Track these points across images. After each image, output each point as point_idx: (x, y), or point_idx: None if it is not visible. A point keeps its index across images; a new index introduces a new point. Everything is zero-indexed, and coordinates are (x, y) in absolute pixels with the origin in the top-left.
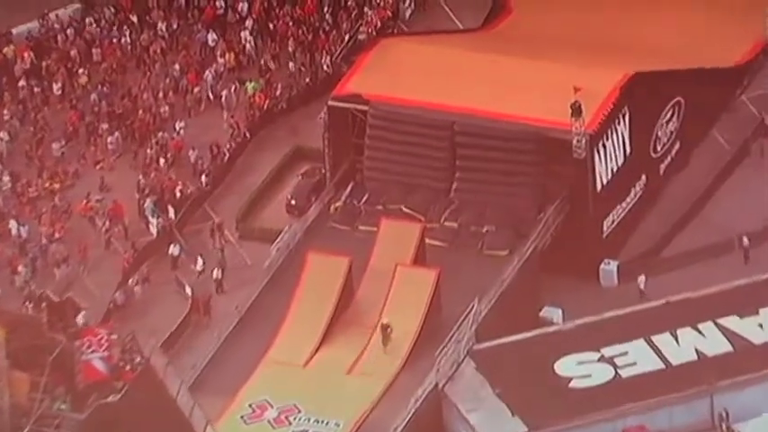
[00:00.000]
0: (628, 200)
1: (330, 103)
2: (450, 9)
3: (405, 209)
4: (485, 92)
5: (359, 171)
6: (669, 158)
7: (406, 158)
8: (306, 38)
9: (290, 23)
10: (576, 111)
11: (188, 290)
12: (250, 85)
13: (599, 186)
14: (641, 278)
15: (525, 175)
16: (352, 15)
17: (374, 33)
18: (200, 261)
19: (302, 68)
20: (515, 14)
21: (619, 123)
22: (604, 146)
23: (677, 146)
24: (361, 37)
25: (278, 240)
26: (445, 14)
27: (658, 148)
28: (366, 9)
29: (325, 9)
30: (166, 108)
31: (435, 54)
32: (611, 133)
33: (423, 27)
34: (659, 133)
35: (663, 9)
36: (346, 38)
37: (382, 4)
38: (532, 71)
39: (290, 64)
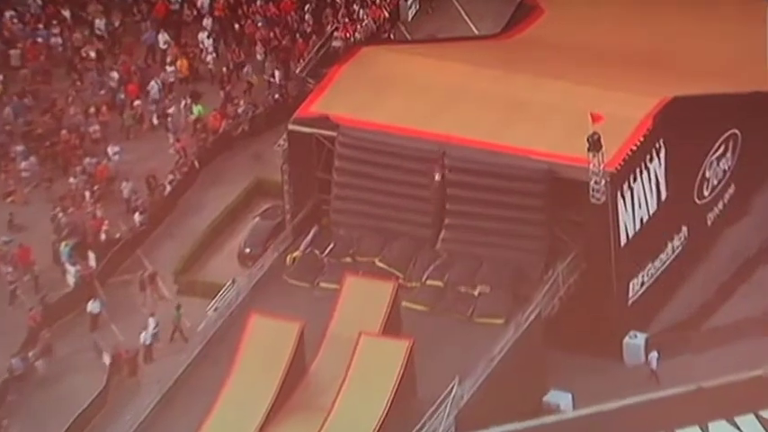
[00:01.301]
0: (662, 258)
1: (291, 127)
2: (463, 9)
3: (379, 263)
4: (485, 117)
5: (324, 213)
6: (720, 206)
7: (383, 198)
8: (279, 42)
9: (261, 24)
10: (595, 144)
11: (107, 357)
12: (196, 108)
13: (623, 240)
14: (653, 354)
15: (530, 224)
16: (340, 15)
17: (358, 37)
18: (127, 321)
19: (272, 80)
20: (546, 17)
21: (651, 160)
22: (631, 189)
23: (731, 190)
24: (335, 44)
25: (217, 298)
26: (458, 16)
27: (705, 193)
28: (356, 7)
29: (307, 7)
30: (97, 127)
31: (427, 68)
32: (641, 173)
33: (428, 31)
34: (707, 173)
35: (718, 21)
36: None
37: (379, 1)
38: (546, 93)
39: (257, 75)
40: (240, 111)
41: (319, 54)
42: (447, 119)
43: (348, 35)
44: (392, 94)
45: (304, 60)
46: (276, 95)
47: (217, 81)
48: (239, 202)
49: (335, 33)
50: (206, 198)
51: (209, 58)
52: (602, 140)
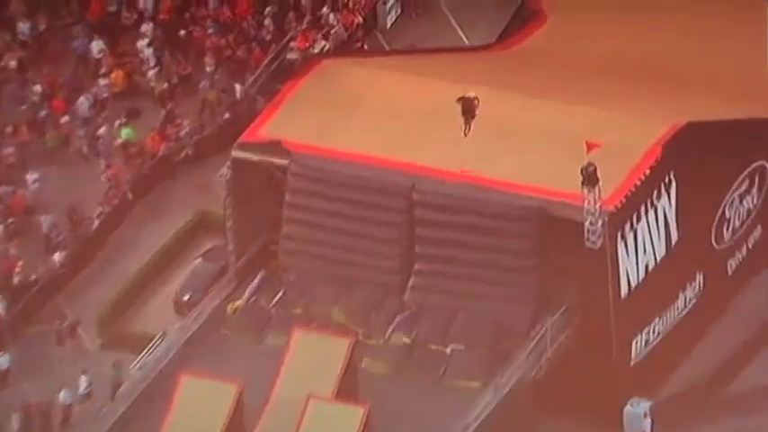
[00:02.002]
0: (672, 312)
1: (235, 153)
2: (453, 15)
3: (335, 314)
4: (464, 144)
5: (273, 255)
6: (743, 251)
7: (342, 239)
8: (233, 52)
9: (212, 30)
10: (590, 177)
11: (15, 422)
12: (124, 131)
13: (625, 291)
14: (646, 422)
15: (514, 271)
16: (306, 20)
17: (325, 47)
18: (42, 379)
19: (223, 95)
20: (548, 26)
21: (659, 197)
22: (634, 231)
23: (757, 233)
24: (291, 56)
25: (144, 354)
26: (446, 22)
27: (725, 236)
28: (325, 11)
29: (267, 10)
30: (13, 149)
31: (398, 86)
32: (646, 212)
33: (409, 40)
34: (728, 213)
35: (744, 37)
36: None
37: (352, 4)
38: (538, 115)
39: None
40: (184, 132)
41: (272, 67)
42: (420, 146)
43: (307, 45)
44: (356, 115)
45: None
46: (227, 115)
47: (158, 97)
48: (179, 240)
49: (292, 43)
50: (140, 235)
51: (150, 70)
52: (598, 173)
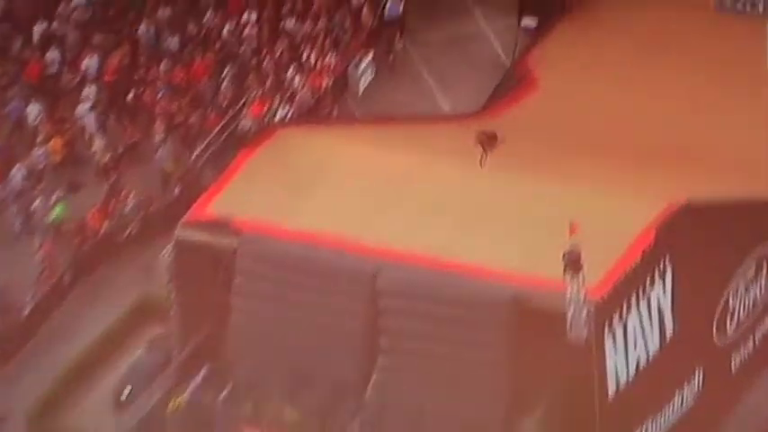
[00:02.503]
0: (666, 414)
1: (179, 233)
2: (434, 78)
3: (289, 414)
4: (434, 226)
5: (220, 346)
6: (749, 347)
7: (296, 330)
8: (186, 118)
9: (163, 93)
10: (572, 263)
11: None
12: (58, 208)
13: (612, 390)
14: None
15: (488, 366)
16: (268, 83)
17: (288, 112)
18: None
19: (174, 165)
20: (539, 92)
21: (652, 285)
22: (624, 323)
23: (765, 325)
24: (245, 123)
25: None
26: (427, 87)
27: (729, 329)
28: (291, 72)
29: (225, 71)
30: None
31: (363, 159)
32: (638, 302)
33: (384, 106)
34: (731, 303)
35: (753, 111)
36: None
37: (319, 66)
38: (517, 194)
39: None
40: (129, 208)
41: (223, 136)
42: (385, 228)
43: (263, 112)
44: (314, 192)
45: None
46: (177, 190)
47: (101, 168)
48: (120, 329)
49: (246, 109)
50: (77, 322)
51: (92, 137)
52: (582, 258)
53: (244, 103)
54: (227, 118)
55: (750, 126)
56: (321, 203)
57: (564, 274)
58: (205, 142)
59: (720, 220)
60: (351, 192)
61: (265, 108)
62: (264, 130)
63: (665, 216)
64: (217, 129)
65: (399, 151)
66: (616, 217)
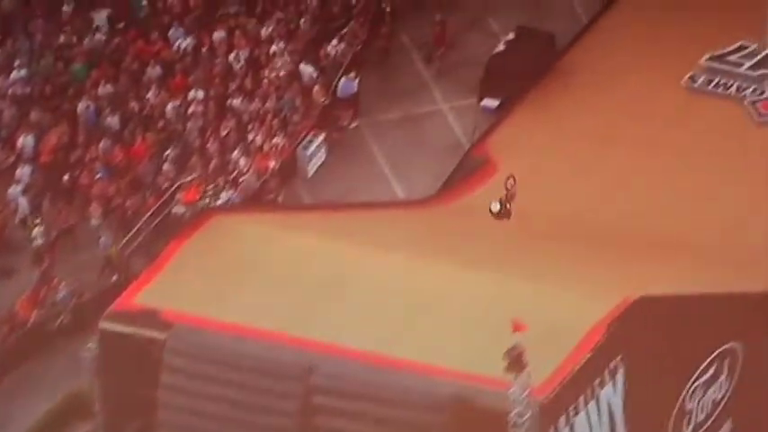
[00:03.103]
0: None
1: (104, 324)
2: (389, 162)
3: None
4: (373, 320)
5: None
6: None
7: (226, 428)
8: (123, 201)
9: (101, 175)
10: (515, 362)
11: None
12: None
13: None
14: None
15: None
16: (212, 165)
17: (232, 197)
18: None
19: (110, 251)
20: (498, 178)
21: (602, 385)
22: (571, 425)
23: (727, 428)
24: (178, 210)
25: None
26: (380, 172)
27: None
28: (236, 154)
29: (167, 153)
30: None
31: (300, 249)
32: (586, 403)
33: (335, 191)
34: (688, 405)
35: (724, 199)
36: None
37: (267, 147)
38: (462, 288)
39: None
40: (60, 296)
41: (154, 223)
42: (322, 321)
43: (197, 198)
44: (249, 283)
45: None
46: (114, 277)
47: (33, 253)
48: (47, 426)
49: (178, 195)
50: (2, 418)
51: (25, 221)
52: (525, 356)
53: (178, 187)
54: (160, 202)
55: (721, 213)
56: (255, 295)
57: (507, 373)
58: (136, 228)
59: (680, 316)
60: (287, 283)
61: (201, 192)
62: (199, 216)
63: (619, 312)
64: (148, 214)
65: (342, 240)
66: (567, 312)
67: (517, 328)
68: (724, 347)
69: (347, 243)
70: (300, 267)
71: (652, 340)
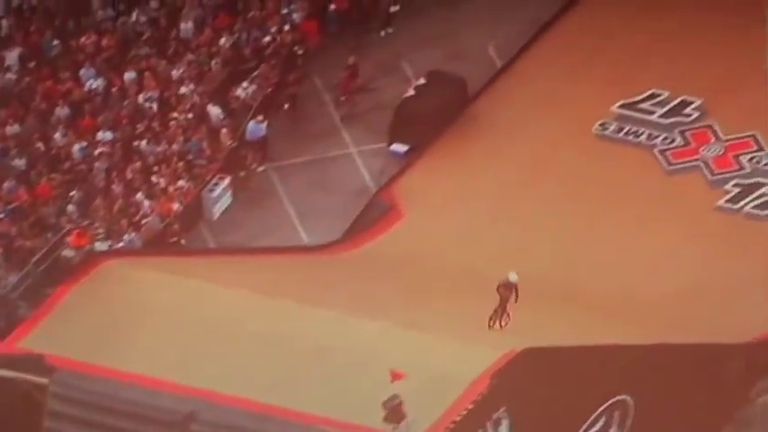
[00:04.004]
0: None
1: None
2: (296, 205)
3: None
4: (254, 368)
5: None
6: None
7: None
8: (23, 242)
9: (2, 216)
10: (393, 412)
11: None
12: None
13: None
14: None
15: None
16: (116, 207)
17: (133, 239)
18: None
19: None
20: (402, 226)
21: None
22: None
23: None
24: (66, 253)
25: None
26: (286, 216)
27: None
28: (140, 196)
29: (71, 194)
30: None
31: (189, 295)
32: None
33: (241, 234)
34: None
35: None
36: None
37: (171, 189)
38: (348, 338)
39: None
40: None
41: (41, 267)
42: (205, 367)
43: (85, 242)
44: (134, 329)
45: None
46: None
47: None
48: None
49: (67, 238)
50: None
51: None
52: (403, 407)
53: (68, 231)
54: (48, 246)
55: (625, 264)
56: (140, 341)
57: (385, 423)
58: (24, 270)
59: (567, 368)
60: (173, 329)
61: (90, 236)
62: (89, 260)
63: (503, 362)
64: (36, 257)
65: (234, 286)
66: (452, 362)
67: (396, 377)
68: (615, 399)
69: (239, 288)
70: (187, 313)
71: (538, 391)
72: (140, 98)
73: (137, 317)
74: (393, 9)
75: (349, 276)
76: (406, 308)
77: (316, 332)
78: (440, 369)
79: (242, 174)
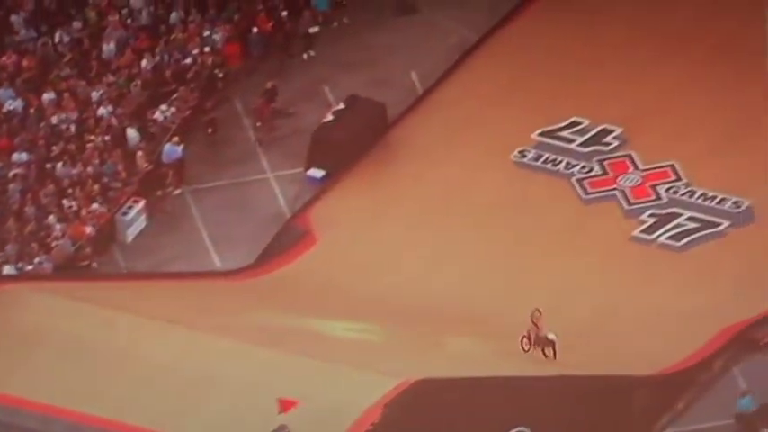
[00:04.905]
0: None
1: None
2: (210, 230)
3: None
4: (151, 398)
5: None
6: None
7: None
8: None
9: None
10: None
11: None
12: None
13: None
14: None
15: None
16: (28, 230)
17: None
18: None
19: None
20: (316, 251)
21: None
22: None
23: None
24: None
25: None
26: (200, 239)
27: None
28: (51, 219)
29: None
30: None
31: (86, 322)
32: None
33: (156, 259)
34: None
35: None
36: None
37: (84, 212)
38: (237, 367)
39: None
40: None
41: None
42: (99, 395)
43: None
44: (31, 355)
45: None
46: None
47: None
48: None
49: None
50: None
51: None
52: None
53: None
54: None
55: (537, 294)
56: (36, 368)
57: None
58: None
59: (465, 400)
60: (69, 357)
61: None
62: None
63: (396, 393)
64: None
65: (135, 313)
66: (346, 391)
67: (285, 406)
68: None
69: (138, 314)
70: (82, 340)
71: (432, 422)
72: (57, 119)
73: (32, 343)
74: (313, 30)
75: (255, 303)
76: (306, 335)
77: (209, 361)
78: (333, 398)
79: (159, 193)
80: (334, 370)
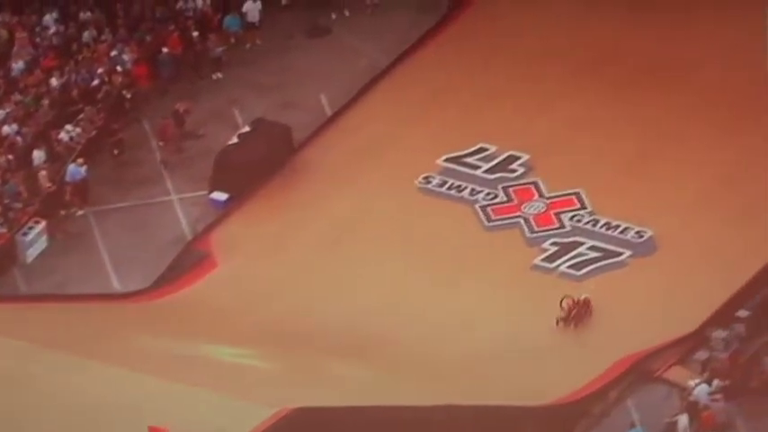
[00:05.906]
0: None
1: None
2: (108, 252)
3: None
4: (28, 423)
5: None
6: None
7: None
8: None
9: None
10: None
11: None
12: None
13: None
14: None
15: None
16: None
17: None
18: None
19: None
20: (214, 275)
21: None
22: None
23: None
24: None
25: None
26: (99, 261)
27: None
28: None
29: None
30: None
31: None
32: None
33: (55, 280)
34: None
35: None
36: None
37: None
38: (113, 388)
39: None
40: None
41: None
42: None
43: None
44: None
45: None
46: None
47: None
48: None
49: None
50: None
51: None
52: None
53: None
54: None
55: (441, 321)
56: None
57: None
58: None
59: (342, 429)
60: None
61: None
62: None
63: (273, 420)
64: None
65: (19, 337)
66: (221, 419)
67: None
68: None
69: (29, 338)
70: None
71: None
72: None
73: None
74: (219, 50)
75: (148, 327)
76: (192, 361)
77: (86, 387)
78: (208, 426)
79: (62, 213)
80: (211, 397)
